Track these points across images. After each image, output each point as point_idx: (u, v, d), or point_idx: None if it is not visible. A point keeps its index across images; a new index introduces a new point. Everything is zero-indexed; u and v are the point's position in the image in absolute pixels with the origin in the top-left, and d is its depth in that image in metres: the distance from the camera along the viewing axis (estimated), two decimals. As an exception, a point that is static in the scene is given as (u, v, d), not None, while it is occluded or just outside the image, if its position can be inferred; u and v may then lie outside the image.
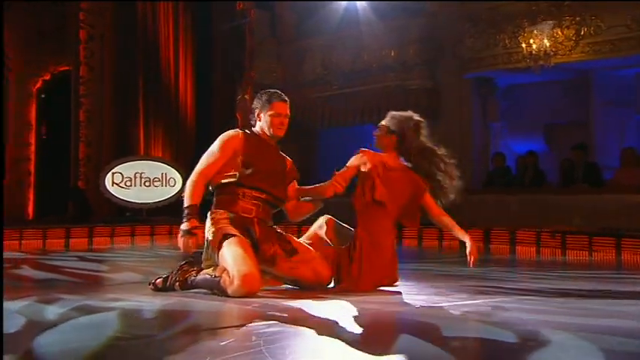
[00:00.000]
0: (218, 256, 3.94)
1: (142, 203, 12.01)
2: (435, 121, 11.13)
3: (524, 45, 10.33)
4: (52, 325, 3.05)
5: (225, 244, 3.91)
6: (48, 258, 7.46)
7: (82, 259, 7.20)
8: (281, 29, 12.66)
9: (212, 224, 4.06)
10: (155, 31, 13.08)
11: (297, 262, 4.16)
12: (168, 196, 11.94)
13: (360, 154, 4.35)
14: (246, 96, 12.00)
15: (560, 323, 3.03)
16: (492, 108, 11.56)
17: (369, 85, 11.61)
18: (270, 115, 4.15)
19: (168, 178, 11.99)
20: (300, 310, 3.49)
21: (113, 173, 11.65)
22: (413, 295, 4.12)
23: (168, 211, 11.35)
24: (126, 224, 10.86)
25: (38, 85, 12.99)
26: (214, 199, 4.24)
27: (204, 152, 4.13)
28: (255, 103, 4.30)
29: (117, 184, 11.64)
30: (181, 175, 11.70)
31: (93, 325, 3.10)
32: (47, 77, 13.02)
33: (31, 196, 12.99)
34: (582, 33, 9.99)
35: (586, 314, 3.47)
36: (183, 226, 3.95)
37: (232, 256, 3.84)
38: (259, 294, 3.85)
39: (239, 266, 3.80)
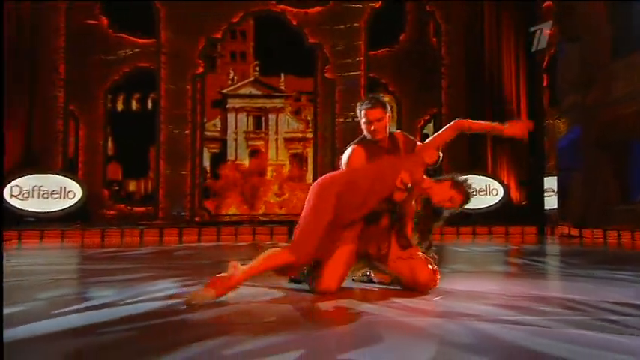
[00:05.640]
0: None
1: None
2: None
3: None
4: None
5: None
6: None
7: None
8: (592, 56, 10.94)
9: None
10: (499, 68, 12.66)
11: (402, 258, 3.49)
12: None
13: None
14: (549, 121, 11.00)
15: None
16: None
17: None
18: (363, 123, 3.63)
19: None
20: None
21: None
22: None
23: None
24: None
25: (421, 123, 13.74)
26: None
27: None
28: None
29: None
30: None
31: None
32: (427, 117, 13.70)
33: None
34: None
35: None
36: None
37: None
38: (343, 293, 3.37)
39: (322, 265, 3.35)
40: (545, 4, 11.45)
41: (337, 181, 3.40)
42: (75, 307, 2.94)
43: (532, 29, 10.60)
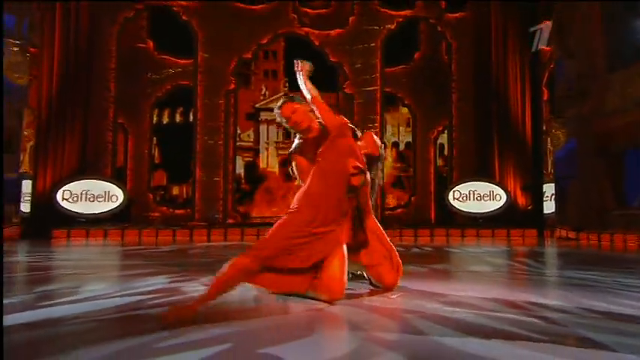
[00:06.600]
0: None
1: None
2: None
3: None
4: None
5: None
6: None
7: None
8: (588, 70, 10.46)
9: None
10: (505, 83, 12.33)
11: (373, 265, 3.34)
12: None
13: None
14: (550, 132, 10.63)
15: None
16: None
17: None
18: (285, 123, 3.31)
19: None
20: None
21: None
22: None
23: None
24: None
25: (434, 134, 13.61)
26: None
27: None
28: None
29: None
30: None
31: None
32: (440, 128, 13.54)
33: (432, 205, 13.45)
34: None
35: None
36: None
37: None
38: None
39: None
40: (544, 22, 11.11)
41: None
42: (60, 300, 3.01)
43: (532, 29, 10.21)
